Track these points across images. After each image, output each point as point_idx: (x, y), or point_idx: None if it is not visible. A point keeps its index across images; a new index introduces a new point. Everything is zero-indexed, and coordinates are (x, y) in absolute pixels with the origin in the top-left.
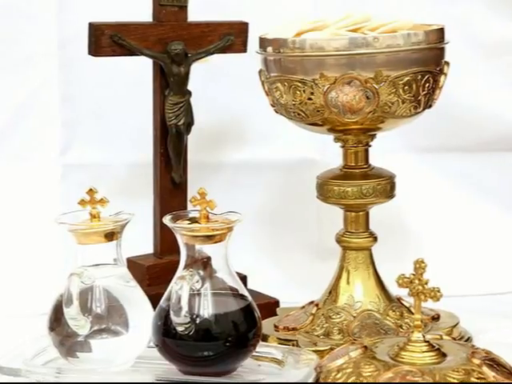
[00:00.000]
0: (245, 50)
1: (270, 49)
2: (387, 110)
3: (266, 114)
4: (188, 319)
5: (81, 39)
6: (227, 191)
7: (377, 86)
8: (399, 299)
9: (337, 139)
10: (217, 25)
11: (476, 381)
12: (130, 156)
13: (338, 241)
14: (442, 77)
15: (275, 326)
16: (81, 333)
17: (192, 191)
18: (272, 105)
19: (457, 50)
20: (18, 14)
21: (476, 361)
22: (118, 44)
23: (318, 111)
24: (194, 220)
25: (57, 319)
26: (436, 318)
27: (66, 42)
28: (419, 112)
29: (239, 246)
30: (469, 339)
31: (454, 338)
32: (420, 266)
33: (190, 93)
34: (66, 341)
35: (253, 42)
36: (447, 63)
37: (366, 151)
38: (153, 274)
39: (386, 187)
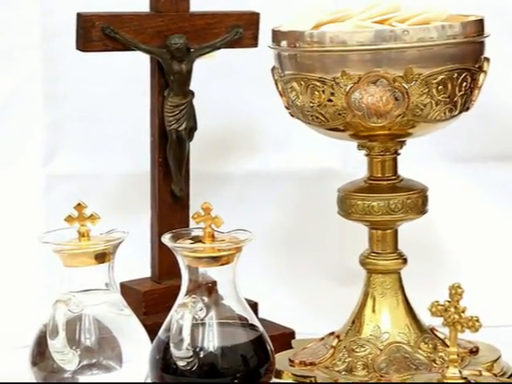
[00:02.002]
0: (255, 45)
1: (284, 43)
2: (418, 114)
3: (279, 117)
4: (190, 353)
5: (68, 31)
6: (235, 206)
7: (407, 86)
8: (432, 330)
9: (361, 146)
10: (223, 15)
11: None
12: (124, 165)
13: (363, 263)
14: (482, 75)
15: (290, 361)
16: (68, 368)
17: (195, 206)
18: (287, 107)
19: (498, 45)
20: None
21: None
22: (110, 37)
23: (340, 114)
24: (197, 239)
25: (40, 353)
26: (474, 351)
27: (51, 34)
28: (455, 115)
29: (249, 269)
30: None
31: (495, 374)
32: (456, 292)
33: (192, 93)
34: (51, 377)
35: (265, 36)
36: (487, 59)
37: (395, 160)
38: (150, 301)
39: (417, 201)
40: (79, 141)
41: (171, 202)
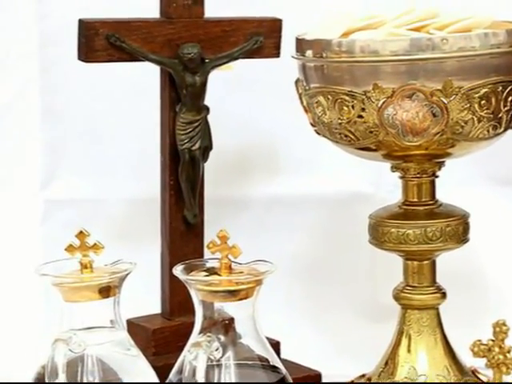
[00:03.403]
0: (277, 55)
1: (309, 53)
2: (459, 131)
3: (304, 135)
4: None
5: (68, 38)
6: (255, 234)
7: (446, 101)
8: (474, 372)
9: (395, 168)
10: (242, 22)
11: None
12: (131, 189)
13: (397, 297)
14: None
15: None
16: None
17: (210, 234)
18: (312, 124)
19: None
20: None
21: None
22: (115, 47)
23: (371, 132)
24: (212, 271)
25: None
26: None
27: (49, 41)
28: (500, 133)
29: (270, 304)
30: None
31: None
32: (501, 330)
33: (207, 109)
34: None
35: (288, 45)
36: None
37: (432, 183)
38: (160, 340)
39: (458, 229)
40: (80, 162)
41: (184, 229)
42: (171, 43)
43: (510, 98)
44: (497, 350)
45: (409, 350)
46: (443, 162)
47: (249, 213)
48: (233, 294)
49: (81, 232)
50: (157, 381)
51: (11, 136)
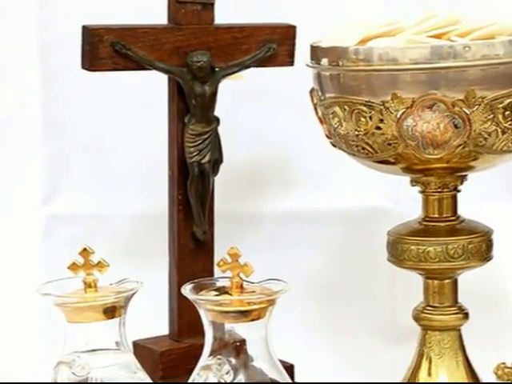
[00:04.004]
0: (291, 63)
1: (325, 61)
2: (482, 143)
3: (319, 148)
4: None
5: (71, 46)
6: (268, 251)
7: (468, 111)
8: None
9: (415, 182)
10: (254, 29)
11: None
12: (137, 204)
13: (417, 318)
14: None
15: None
16: None
17: (220, 252)
18: (328, 136)
19: None
20: None
21: None
22: (121, 54)
23: (390, 145)
24: (223, 290)
25: None
26: None
27: (51, 50)
28: None
29: (284, 325)
30: None
31: None
32: None
33: (217, 120)
34: None
35: (302, 52)
36: None
37: (454, 198)
38: (168, 363)
39: (481, 246)
40: (84, 175)
41: (193, 246)
42: (179, 51)
43: None
44: None
45: (429, 374)
46: (465, 175)
47: (261, 229)
48: (244, 315)
49: (84, 249)
50: None
51: (11, 149)
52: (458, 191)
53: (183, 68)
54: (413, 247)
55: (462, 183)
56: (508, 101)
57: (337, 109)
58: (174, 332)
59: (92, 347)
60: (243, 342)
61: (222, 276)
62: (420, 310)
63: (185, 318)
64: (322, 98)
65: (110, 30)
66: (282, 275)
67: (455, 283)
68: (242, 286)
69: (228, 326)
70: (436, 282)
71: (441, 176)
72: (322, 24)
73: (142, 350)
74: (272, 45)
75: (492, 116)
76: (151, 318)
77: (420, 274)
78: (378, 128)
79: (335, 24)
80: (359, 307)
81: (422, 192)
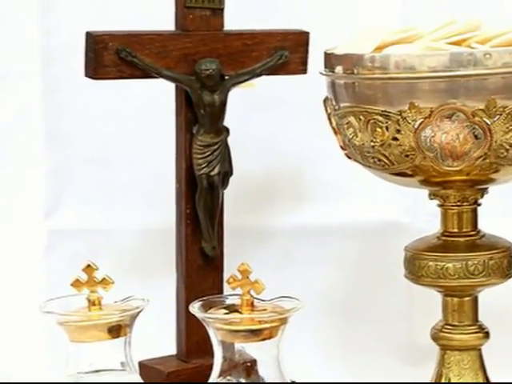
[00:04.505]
0: (304, 71)
1: (339, 69)
2: (503, 155)
3: (333, 159)
4: None
5: (74, 54)
6: (280, 268)
7: (489, 121)
8: None
9: (433, 195)
10: (265, 35)
11: None
12: (143, 218)
13: (435, 337)
14: None
15: None
16: None
17: (230, 268)
18: (342, 147)
19: None
20: None
21: None
22: (126, 62)
23: (407, 156)
24: (233, 308)
25: None
26: None
27: (53, 57)
28: None
29: (297, 345)
30: None
31: None
32: None
33: (227, 130)
34: None
35: (315, 60)
36: None
37: (474, 212)
38: None
39: (502, 262)
40: (88, 188)
41: (201, 262)
42: (187, 58)
43: None
44: None
45: None
46: (486, 188)
47: (273, 244)
48: (255, 334)
49: (88, 265)
50: None
51: (12, 160)
52: (479, 205)
53: (191, 76)
54: (431, 263)
55: (482, 196)
56: None
57: (352, 119)
58: (181, 352)
59: (96, 368)
60: (254, 362)
61: (231, 293)
62: (438, 329)
63: (193, 338)
64: (337, 107)
65: (115, 36)
66: (295, 292)
67: (475, 301)
68: (252, 304)
69: (238, 345)
70: (455, 299)
71: (460, 189)
72: (336, 30)
73: (148, 370)
74: (284, 52)
75: None
76: (158, 338)
77: (438, 292)
78: (395, 139)
79: (350, 30)
80: (375, 326)
81: (441, 206)
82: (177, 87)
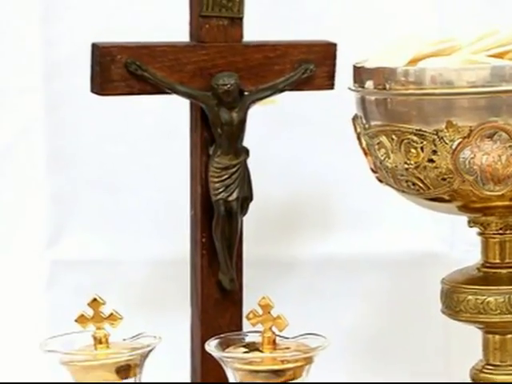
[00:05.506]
0: (331, 86)
1: (369, 84)
2: None
3: (363, 183)
4: None
5: (78, 68)
6: (304, 302)
7: None
8: None
9: (473, 223)
10: (288, 47)
11: None
12: (155, 248)
13: (475, 378)
14: None
15: None
16: None
17: (250, 302)
18: (373, 169)
19: None
20: None
21: None
22: (136, 76)
23: (444, 179)
24: (253, 347)
25: None
26: None
27: (56, 72)
28: None
29: None
30: None
31: None
32: None
33: (246, 152)
34: None
35: (343, 74)
36: None
37: None
38: None
39: None
40: (93, 215)
41: (218, 296)
42: (203, 72)
43: None
44: None
45: None
46: None
47: (296, 276)
48: (278, 375)
49: (94, 299)
50: None
51: (11, 184)
52: None
53: (207, 92)
54: (470, 297)
55: None
56: None
57: (383, 139)
58: None
59: None
60: None
61: (251, 330)
62: (479, 369)
63: (209, 379)
64: (367, 126)
65: (124, 48)
66: (321, 329)
67: None
68: (274, 342)
69: None
70: (497, 337)
71: (503, 215)
72: (366, 41)
73: None
74: (309, 65)
75: None
76: (170, 379)
77: (479, 328)
78: (431, 161)
79: (381, 41)
80: (409, 366)
81: (481, 234)
82: (191, 104)
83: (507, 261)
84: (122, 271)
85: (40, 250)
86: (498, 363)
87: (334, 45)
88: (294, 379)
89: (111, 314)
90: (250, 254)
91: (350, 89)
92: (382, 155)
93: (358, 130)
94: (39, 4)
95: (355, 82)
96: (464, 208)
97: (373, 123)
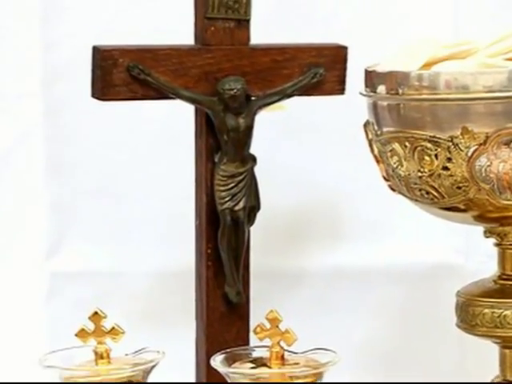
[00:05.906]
0: (342, 91)
1: (382, 88)
2: None
3: (374, 192)
4: None
5: (78, 72)
6: (314, 315)
7: None
8: None
9: (489, 233)
10: (297, 50)
11: None
12: (158, 259)
13: None
14: None
15: None
16: None
17: (257, 316)
18: (385, 178)
19: None
20: None
21: None
22: (139, 81)
23: (459, 188)
24: (260, 362)
25: None
26: None
27: (56, 77)
28: None
29: None
30: None
31: None
32: None
33: (253, 159)
34: None
35: (354, 78)
36: None
37: None
38: None
39: None
40: (94, 226)
41: (224, 310)
42: (209, 76)
43: None
44: None
45: None
46: None
47: (305, 289)
48: None
49: (95, 313)
50: None
51: (9, 193)
52: None
53: (213, 97)
54: (487, 310)
55: None
56: None
57: (396, 145)
58: None
59: None
60: None
61: (259, 345)
62: None
63: None
64: (379, 132)
65: (126, 51)
66: (331, 344)
67: None
68: (282, 357)
69: None
70: None
71: None
72: (378, 44)
73: None
74: (319, 69)
75: None
76: None
77: (495, 343)
78: (446, 168)
79: (394, 44)
80: (423, 382)
81: (498, 245)
82: (196, 109)
83: None
84: (125, 283)
85: (39, 262)
86: None
87: (345, 48)
88: None
89: (113, 327)
90: (258, 266)
91: (361, 94)
92: (394, 163)
93: (370, 136)
94: (38, 5)
95: (367, 86)
96: (480, 218)
97: (385, 129)
